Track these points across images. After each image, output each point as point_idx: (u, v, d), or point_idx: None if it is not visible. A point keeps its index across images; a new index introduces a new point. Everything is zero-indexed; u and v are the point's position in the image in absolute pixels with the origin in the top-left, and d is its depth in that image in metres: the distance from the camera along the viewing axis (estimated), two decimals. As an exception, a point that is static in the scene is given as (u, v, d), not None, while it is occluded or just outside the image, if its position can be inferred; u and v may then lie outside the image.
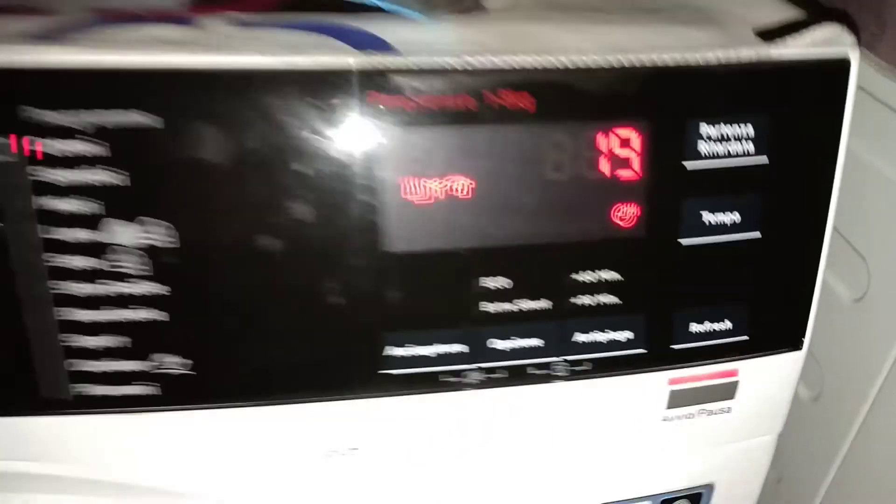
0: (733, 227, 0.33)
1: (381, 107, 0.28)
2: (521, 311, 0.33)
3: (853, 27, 0.32)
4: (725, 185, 0.32)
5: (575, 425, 0.37)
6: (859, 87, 0.33)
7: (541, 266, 0.32)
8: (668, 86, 0.31)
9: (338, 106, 0.28)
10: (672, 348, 0.35)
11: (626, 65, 0.30)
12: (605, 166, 0.31)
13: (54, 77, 0.27)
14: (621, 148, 0.31)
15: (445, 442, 0.35)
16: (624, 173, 0.31)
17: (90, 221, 0.28)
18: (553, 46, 0.30)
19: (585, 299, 0.33)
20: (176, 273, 0.29)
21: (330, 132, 0.28)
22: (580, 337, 0.34)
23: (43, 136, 0.27)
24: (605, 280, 0.33)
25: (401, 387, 0.33)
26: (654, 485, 0.41)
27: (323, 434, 0.34)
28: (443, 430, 0.35)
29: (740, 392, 0.37)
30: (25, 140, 0.27)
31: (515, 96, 0.29)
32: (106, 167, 0.28)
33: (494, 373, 0.33)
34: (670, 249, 0.33)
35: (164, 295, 0.30)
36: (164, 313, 0.30)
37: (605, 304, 0.33)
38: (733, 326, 0.35)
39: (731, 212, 0.33)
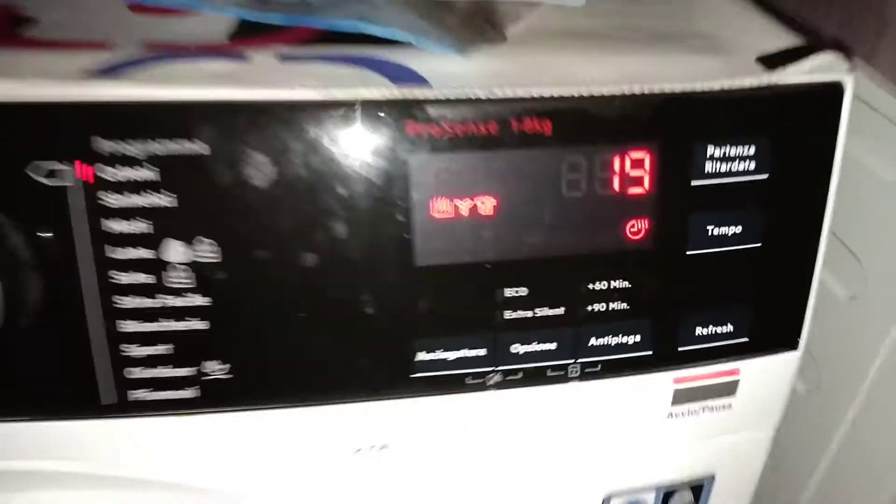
0: (736, 239, 0.35)
1: (415, 134, 0.31)
2: (539, 317, 0.35)
3: (848, 54, 0.35)
4: (729, 200, 0.34)
5: (587, 421, 0.39)
6: (856, 97, 0.35)
7: (558, 276, 0.34)
8: (678, 111, 0.33)
9: (374, 134, 0.30)
10: (678, 350, 0.37)
11: (639, 93, 0.32)
12: (618, 185, 0.33)
13: (115, 110, 0.29)
14: (633, 168, 0.33)
15: (468, 438, 0.37)
16: (635, 191, 0.33)
17: (143, 240, 0.30)
18: (571, 76, 0.32)
19: (598, 306, 0.35)
20: (220, 287, 0.31)
21: (366, 157, 0.30)
22: (593, 341, 0.36)
23: (103, 164, 0.29)
24: (617, 288, 0.35)
25: (429, 388, 0.35)
26: (658, 475, 0.43)
27: (356, 432, 0.36)
28: (466, 428, 0.37)
29: (740, 389, 0.39)
30: (87, 167, 0.29)
31: (536, 123, 0.31)
32: (157, 191, 0.30)
33: (514, 375, 0.35)
34: (677, 260, 0.35)
35: (207, 306, 0.32)
36: (207, 323, 0.32)
37: (616, 310, 0.35)
38: (735, 329, 0.37)
39: (734, 225, 0.35)
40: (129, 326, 0.32)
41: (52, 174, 0.29)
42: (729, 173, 0.34)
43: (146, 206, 0.30)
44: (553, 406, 0.37)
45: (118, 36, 0.34)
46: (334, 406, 0.35)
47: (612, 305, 0.35)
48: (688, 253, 0.35)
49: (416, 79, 0.31)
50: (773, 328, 0.39)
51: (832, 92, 0.34)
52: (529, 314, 0.34)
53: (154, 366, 0.32)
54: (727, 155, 0.34)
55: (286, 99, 0.30)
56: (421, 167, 0.31)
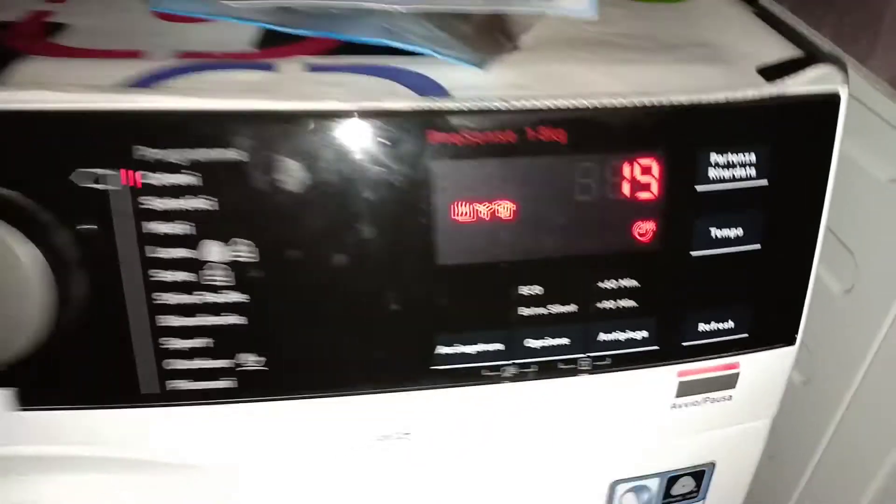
0: (737, 241, 0.37)
1: (437, 142, 0.32)
2: (552, 314, 0.36)
3: (842, 66, 0.37)
4: (731, 204, 0.36)
5: (595, 412, 0.40)
6: (852, 97, 0.36)
7: (570, 275, 0.36)
8: (683, 121, 0.34)
9: (400, 142, 0.32)
10: (682, 345, 0.38)
11: (647, 104, 0.34)
12: (627, 189, 0.34)
13: (157, 120, 0.31)
14: (642, 174, 0.34)
15: (484, 426, 0.39)
16: (643, 195, 0.35)
17: (185, 241, 0.32)
18: (583, 87, 0.34)
19: (608, 304, 0.37)
20: (255, 284, 0.33)
21: (392, 163, 0.32)
22: (602, 336, 0.37)
23: (147, 170, 0.31)
24: (626, 287, 0.36)
25: (448, 380, 0.37)
26: (662, 463, 0.44)
27: (379, 421, 0.38)
28: (482, 417, 0.39)
29: (740, 382, 0.41)
30: (132, 173, 0.31)
31: (552, 132, 0.33)
32: (199, 195, 0.32)
33: (528, 368, 0.37)
34: (682, 260, 0.36)
35: (244, 302, 0.34)
36: (244, 318, 0.34)
37: (624, 307, 0.37)
38: (735, 325, 0.39)
39: (736, 227, 0.36)
40: (170, 321, 0.33)
41: (98, 179, 0.31)
42: (731, 179, 0.35)
43: (187, 209, 0.32)
44: (564, 397, 0.39)
45: (150, 44, 0.36)
46: (360, 396, 0.37)
47: (620, 303, 0.37)
48: (692, 254, 0.36)
49: (438, 90, 0.33)
50: (772, 325, 0.40)
51: (829, 102, 0.36)
52: (543, 311, 0.36)
53: (192, 358, 0.34)
54: (729, 162, 0.35)
55: (316, 109, 0.32)
56: (443, 173, 0.33)
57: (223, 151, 0.31)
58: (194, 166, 0.31)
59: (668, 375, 0.40)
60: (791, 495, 0.54)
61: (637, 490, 0.45)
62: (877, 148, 0.43)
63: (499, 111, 0.33)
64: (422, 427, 0.39)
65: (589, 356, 0.38)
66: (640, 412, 0.41)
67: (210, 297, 0.33)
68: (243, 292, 0.34)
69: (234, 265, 0.33)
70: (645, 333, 0.38)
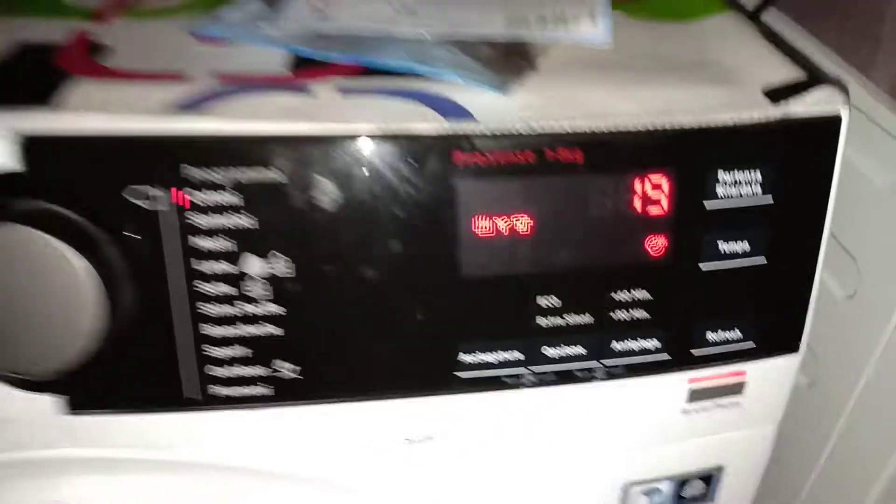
0: (744, 255, 0.38)
1: (462, 163, 0.34)
2: (568, 324, 0.38)
3: (843, 88, 0.39)
4: (738, 220, 0.37)
5: (609, 417, 0.42)
6: (852, 106, 0.37)
7: (586, 287, 0.38)
8: (693, 141, 0.36)
9: (426, 162, 0.34)
10: (692, 354, 0.40)
11: (659, 127, 0.36)
12: (639, 206, 0.36)
13: (202, 142, 0.33)
14: (653, 191, 0.36)
15: (504, 430, 0.41)
16: (655, 211, 0.36)
17: (228, 256, 0.34)
18: (598, 109, 0.36)
19: (621, 314, 0.38)
20: (292, 296, 0.35)
21: (419, 182, 0.34)
22: (616, 345, 0.39)
23: (193, 189, 0.33)
24: (638, 298, 0.38)
25: (470, 387, 0.38)
26: (673, 467, 0.46)
27: (406, 424, 0.40)
28: (502, 422, 0.41)
29: (747, 389, 0.42)
30: (179, 192, 0.33)
31: (569, 152, 0.35)
32: (240, 213, 0.34)
33: (545, 375, 0.39)
34: (692, 273, 0.38)
35: (281, 314, 0.36)
36: (280, 329, 0.36)
37: (637, 318, 0.38)
38: (742, 335, 0.40)
39: (742, 242, 0.38)
40: (212, 330, 0.35)
41: (148, 198, 0.33)
42: (738, 196, 0.37)
43: (230, 226, 0.34)
44: (580, 403, 0.41)
45: (190, 66, 0.38)
46: (388, 401, 0.39)
47: (633, 313, 0.38)
48: (701, 267, 0.38)
49: (463, 113, 0.35)
50: (777, 334, 0.42)
51: (831, 123, 0.38)
52: (561, 321, 0.38)
53: (232, 365, 0.36)
54: (736, 180, 0.37)
55: (350, 132, 0.34)
56: (467, 191, 0.35)
57: (263, 171, 0.33)
58: (236, 186, 0.33)
59: (678, 382, 0.41)
60: (796, 497, 0.55)
61: (649, 492, 0.46)
62: (876, 155, 0.44)
63: (519, 134, 0.35)
64: (445, 430, 0.40)
65: (603, 364, 0.39)
66: (652, 418, 0.43)
67: (249, 309, 0.35)
68: (280, 304, 0.35)
69: (272, 279, 0.35)
70: (657, 342, 0.39)
